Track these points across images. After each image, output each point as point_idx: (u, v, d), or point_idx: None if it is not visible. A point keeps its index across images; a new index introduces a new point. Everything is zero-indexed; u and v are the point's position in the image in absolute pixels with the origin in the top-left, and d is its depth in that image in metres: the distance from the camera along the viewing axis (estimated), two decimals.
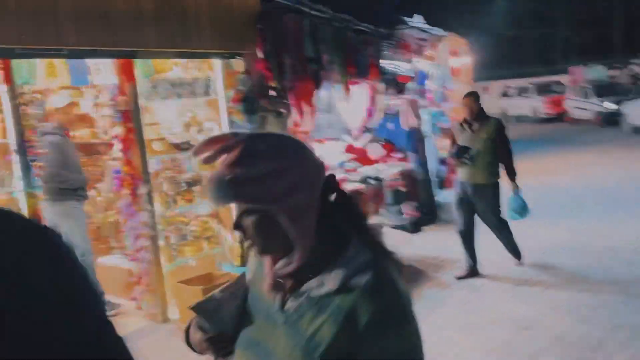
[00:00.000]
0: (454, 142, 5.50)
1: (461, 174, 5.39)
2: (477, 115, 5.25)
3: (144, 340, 4.40)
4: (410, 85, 8.59)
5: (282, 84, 5.18)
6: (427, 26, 9.18)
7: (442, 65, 9.22)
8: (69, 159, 4.82)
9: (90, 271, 5.01)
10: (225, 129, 5.14)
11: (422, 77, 9.10)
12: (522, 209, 5.44)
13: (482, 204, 5.30)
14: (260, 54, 5.05)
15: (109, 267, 5.32)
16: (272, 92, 5.20)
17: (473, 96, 5.35)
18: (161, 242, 4.75)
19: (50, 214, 4.93)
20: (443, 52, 9.16)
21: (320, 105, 7.94)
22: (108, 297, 5.11)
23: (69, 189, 4.83)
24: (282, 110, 5.30)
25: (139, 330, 4.61)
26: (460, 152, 5.29)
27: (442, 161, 8.04)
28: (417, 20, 9.14)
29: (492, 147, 5.18)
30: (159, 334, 4.51)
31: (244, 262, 4.86)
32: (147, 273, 4.67)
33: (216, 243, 5.13)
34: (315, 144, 8.35)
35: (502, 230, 5.47)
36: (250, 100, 4.99)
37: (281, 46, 5.17)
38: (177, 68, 4.96)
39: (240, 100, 4.96)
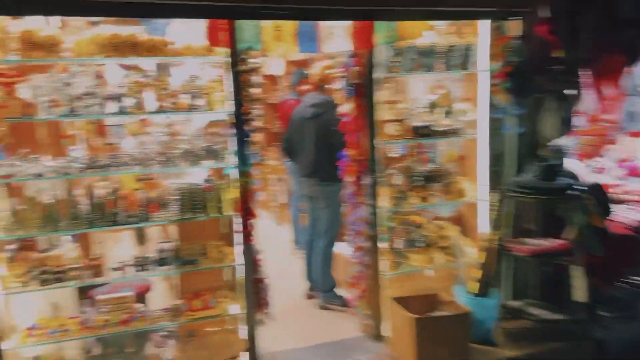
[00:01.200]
0: None
1: None
2: None
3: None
4: None
5: (574, 54, 3.67)
6: None
7: None
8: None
9: (328, 263, 4.60)
10: (483, 113, 3.96)
11: None
12: None
13: None
14: (545, 13, 3.65)
15: (338, 255, 4.80)
16: (557, 66, 3.76)
17: None
18: (384, 245, 3.93)
19: (323, 197, 4.59)
20: None
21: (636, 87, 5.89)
22: (339, 291, 4.67)
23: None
24: (568, 91, 3.82)
25: (345, 342, 3.94)
26: None
27: None
28: None
29: None
30: (364, 354, 3.76)
31: (483, 292, 3.69)
32: (364, 278, 3.94)
33: (453, 256, 4.06)
34: (628, 139, 6.35)
35: None
36: (523, 76, 3.68)
37: (579, 2, 3.65)
38: (429, 33, 3.95)
39: (508, 76, 3.71)
